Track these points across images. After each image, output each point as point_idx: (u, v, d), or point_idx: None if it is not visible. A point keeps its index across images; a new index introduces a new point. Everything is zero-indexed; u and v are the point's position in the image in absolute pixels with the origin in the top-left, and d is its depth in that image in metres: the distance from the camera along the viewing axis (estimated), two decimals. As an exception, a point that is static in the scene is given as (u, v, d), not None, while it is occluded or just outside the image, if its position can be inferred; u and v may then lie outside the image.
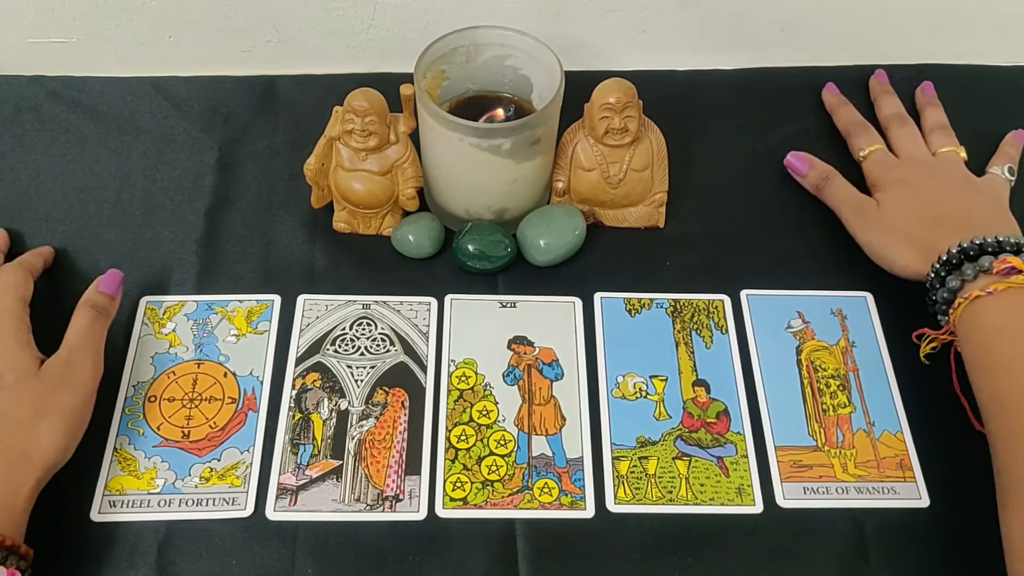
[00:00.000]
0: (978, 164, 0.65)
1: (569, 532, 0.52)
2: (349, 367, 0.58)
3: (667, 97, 0.71)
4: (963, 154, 0.66)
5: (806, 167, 0.67)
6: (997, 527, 0.49)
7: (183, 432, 0.55)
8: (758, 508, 0.53)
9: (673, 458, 0.55)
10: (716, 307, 0.61)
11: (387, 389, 0.57)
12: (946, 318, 0.56)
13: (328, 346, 0.59)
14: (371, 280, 0.62)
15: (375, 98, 0.58)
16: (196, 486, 0.53)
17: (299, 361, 0.58)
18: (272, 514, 0.52)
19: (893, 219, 0.61)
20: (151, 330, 0.59)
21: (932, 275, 0.56)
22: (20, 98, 0.71)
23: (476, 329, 0.60)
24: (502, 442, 0.55)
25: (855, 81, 0.75)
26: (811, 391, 0.58)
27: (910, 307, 0.60)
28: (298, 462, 0.54)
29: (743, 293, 0.62)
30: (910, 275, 0.59)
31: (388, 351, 0.59)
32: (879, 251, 0.61)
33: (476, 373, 0.58)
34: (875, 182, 0.65)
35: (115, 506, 0.52)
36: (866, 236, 0.62)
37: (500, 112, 0.62)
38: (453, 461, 0.54)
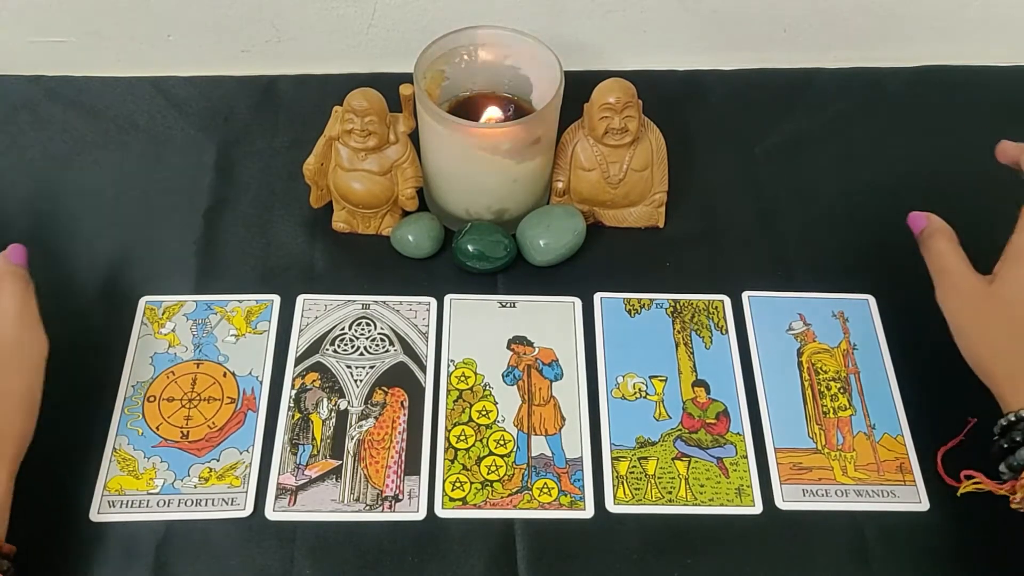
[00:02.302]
0: (978, 167, 0.65)
1: (568, 532, 0.52)
2: (348, 367, 0.58)
3: (667, 97, 0.71)
4: None
5: (922, 224, 0.55)
6: (996, 531, 0.49)
7: (182, 432, 0.55)
8: (757, 509, 0.53)
9: (673, 459, 0.55)
10: (716, 307, 0.61)
11: (386, 389, 0.57)
12: (1015, 476, 0.47)
13: (327, 346, 0.58)
14: (370, 280, 0.62)
15: (375, 98, 0.58)
16: (195, 486, 0.53)
17: (298, 361, 0.58)
18: (271, 514, 0.52)
19: (1012, 305, 0.48)
20: (150, 330, 0.59)
21: (1016, 419, 0.46)
22: (18, 97, 0.70)
23: (476, 329, 0.60)
24: (501, 442, 0.55)
25: (855, 82, 0.75)
26: (812, 393, 0.58)
27: (912, 310, 0.60)
28: (297, 462, 0.54)
29: (745, 294, 0.62)
30: (995, 388, 0.48)
31: (387, 351, 0.58)
32: (972, 345, 0.49)
33: (475, 373, 0.58)
34: None
35: (114, 506, 0.52)
36: (956, 317, 0.50)
37: (500, 112, 0.62)
38: (452, 461, 0.54)
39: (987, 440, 0.54)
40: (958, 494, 0.51)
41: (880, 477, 0.54)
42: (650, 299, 0.61)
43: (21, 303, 0.51)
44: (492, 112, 0.62)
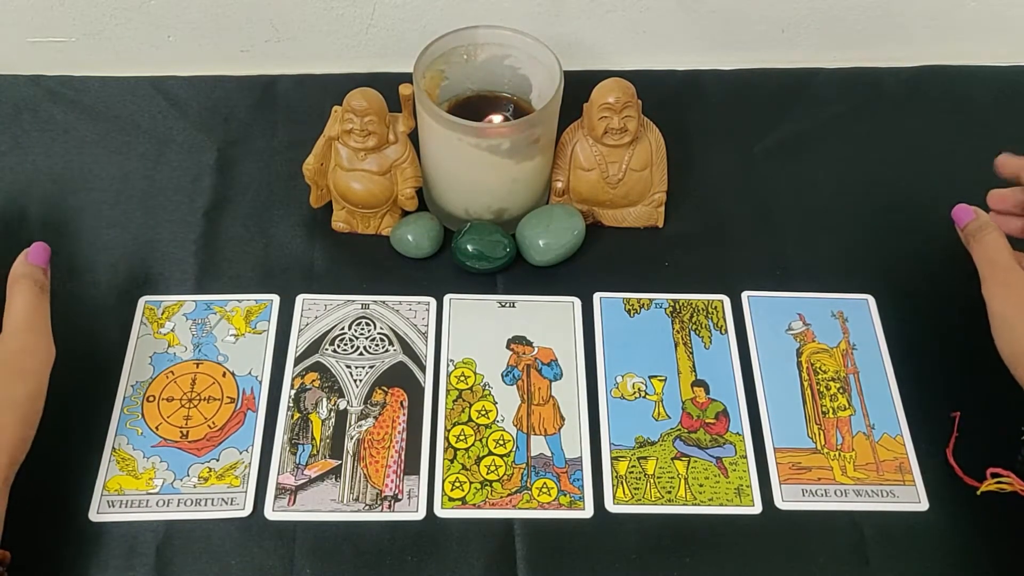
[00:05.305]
0: (979, 166, 0.65)
1: (568, 532, 0.52)
2: (348, 367, 0.58)
3: (666, 97, 0.71)
4: None
5: (968, 218, 0.55)
6: (995, 531, 0.49)
7: (182, 432, 0.55)
8: (757, 509, 0.53)
9: (672, 458, 0.55)
10: (715, 307, 0.61)
11: (386, 389, 0.57)
12: None
13: (327, 346, 0.59)
14: (370, 280, 0.62)
15: (374, 98, 0.58)
16: (195, 486, 0.53)
17: (298, 361, 0.58)
18: (271, 514, 0.52)
19: None
20: (150, 330, 0.59)
21: None
22: (19, 98, 0.70)
23: (475, 329, 0.60)
24: (501, 442, 0.55)
25: (855, 82, 0.75)
26: (811, 393, 0.58)
27: (912, 310, 0.60)
28: (297, 462, 0.54)
29: (744, 294, 0.62)
30: None
31: (387, 351, 0.59)
32: (1017, 341, 0.48)
33: (475, 373, 0.58)
34: None
35: (113, 506, 0.52)
36: (1003, 308, 0.50)
37: (499, 113, 0.62)
38: (452, 461, 0.54)
39: (987, 437, 0.54)
40: (978, 492, 0.51)
41: (879, 477, 0.54)
42: (649, 299, 0.61)
43: (32, 308, 0.50)
44: (491, 112, 0.62)
